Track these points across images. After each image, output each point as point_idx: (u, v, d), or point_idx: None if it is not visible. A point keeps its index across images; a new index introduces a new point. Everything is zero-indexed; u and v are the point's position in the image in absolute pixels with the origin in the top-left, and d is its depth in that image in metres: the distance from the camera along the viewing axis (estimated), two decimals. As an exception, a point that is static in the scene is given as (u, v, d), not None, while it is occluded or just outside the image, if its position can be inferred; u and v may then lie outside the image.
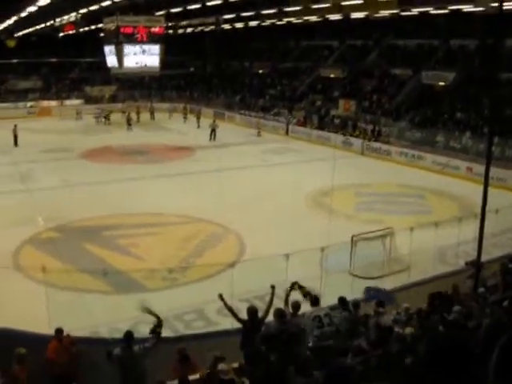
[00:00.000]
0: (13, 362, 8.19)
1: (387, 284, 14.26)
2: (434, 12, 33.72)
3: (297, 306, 9.36)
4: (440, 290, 11.15)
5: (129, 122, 43.83)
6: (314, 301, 9.41)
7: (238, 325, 9.54)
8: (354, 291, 12.68)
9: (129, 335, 8.49)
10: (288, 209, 21.74)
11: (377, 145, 34.10)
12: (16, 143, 35.22)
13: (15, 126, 35.85)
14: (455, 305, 9.52)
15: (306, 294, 9.69)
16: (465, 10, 31.43)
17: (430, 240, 15.76)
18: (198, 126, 43.89)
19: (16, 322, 10.97)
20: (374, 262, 15.71)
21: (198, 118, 45.05)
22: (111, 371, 8.44)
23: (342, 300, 10.12)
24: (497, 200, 14.49)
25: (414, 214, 20.76)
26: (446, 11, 32.91)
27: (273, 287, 9.78)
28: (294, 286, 9.91)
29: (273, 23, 46.66)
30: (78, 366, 9.45)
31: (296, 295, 9.73)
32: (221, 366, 7.35)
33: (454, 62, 37.04)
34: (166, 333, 9.58)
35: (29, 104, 53.03)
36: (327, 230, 14.65)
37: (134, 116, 46.07)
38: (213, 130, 38.49)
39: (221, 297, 9.54)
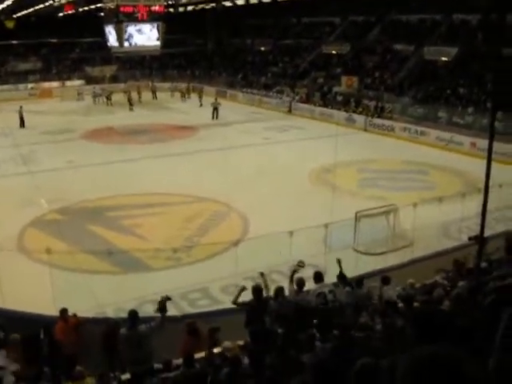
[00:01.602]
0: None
1: (391, 260, 14.29)
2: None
3: (301, 283, 9.41)
4: (444, 265, 11.16)
5: (130, 102, 43.67)
6: (318, 277, 9.44)
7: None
8: (358, 267, 12.68)
9: (133, 314, 8.56)
10: (291, 186, 21.69)
11: (380, 121, 33.96)
12: (23, 125, 35.14)
13: (21, 107, 35.71)
14: (459, 280, 9.54)
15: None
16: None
17: (433, 216, 15.78)
18: (201, 105, 43.73)
19: (21, 305, 11.07)
20: (377, 238, 15.73)
21: (200, 97, 44.97)
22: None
23: (340, 276, 10.14)
24: (501, 175, 14.34)
25: (417, 190, 20.66)
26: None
27: (262, 274, 9.95)
28: (300, 263, 9.98)
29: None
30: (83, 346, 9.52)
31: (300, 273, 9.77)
32: (226, 344, 7.40)
33: (457, 37, 36.66)
34: (171, 312, 9.66)
35: (30, 86, 52.65)
36: (331, 207, 14.60)
37: (135, 96, 45.94)
38: (215, 109, 38.30)
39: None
